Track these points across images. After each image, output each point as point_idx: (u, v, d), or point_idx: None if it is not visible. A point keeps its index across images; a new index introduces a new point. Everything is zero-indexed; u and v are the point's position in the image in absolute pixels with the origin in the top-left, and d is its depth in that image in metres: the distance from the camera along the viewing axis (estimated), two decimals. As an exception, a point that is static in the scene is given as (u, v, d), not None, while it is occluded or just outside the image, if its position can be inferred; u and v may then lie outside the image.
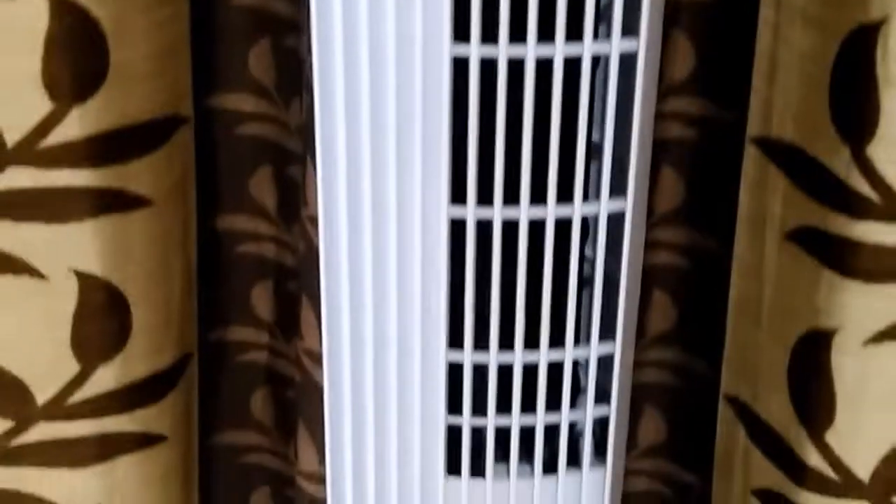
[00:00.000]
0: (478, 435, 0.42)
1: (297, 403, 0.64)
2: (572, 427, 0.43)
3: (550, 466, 0.43)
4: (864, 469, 0.56)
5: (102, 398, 0.62)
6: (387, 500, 0.43)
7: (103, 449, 0.63)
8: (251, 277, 0.67)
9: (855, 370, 0.55)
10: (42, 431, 0.62)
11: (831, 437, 0.56)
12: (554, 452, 0.43)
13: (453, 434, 0.42)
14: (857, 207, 0.52)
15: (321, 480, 0.61)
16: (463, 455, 0.42)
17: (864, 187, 0.52)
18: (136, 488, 0.65)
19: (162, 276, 0.62)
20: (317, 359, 0.57)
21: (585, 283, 0.46)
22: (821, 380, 0.55)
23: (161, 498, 0.66)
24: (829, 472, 0.57)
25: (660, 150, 0.58)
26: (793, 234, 0.56)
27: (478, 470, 0.43)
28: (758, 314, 0.59)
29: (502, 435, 0.42)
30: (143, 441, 0.64)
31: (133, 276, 0.60)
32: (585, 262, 0.46)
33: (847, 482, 0.56)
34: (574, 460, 0.43)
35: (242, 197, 0.65)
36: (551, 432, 0.43)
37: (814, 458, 0.57)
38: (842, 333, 0.54)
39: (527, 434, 0.43)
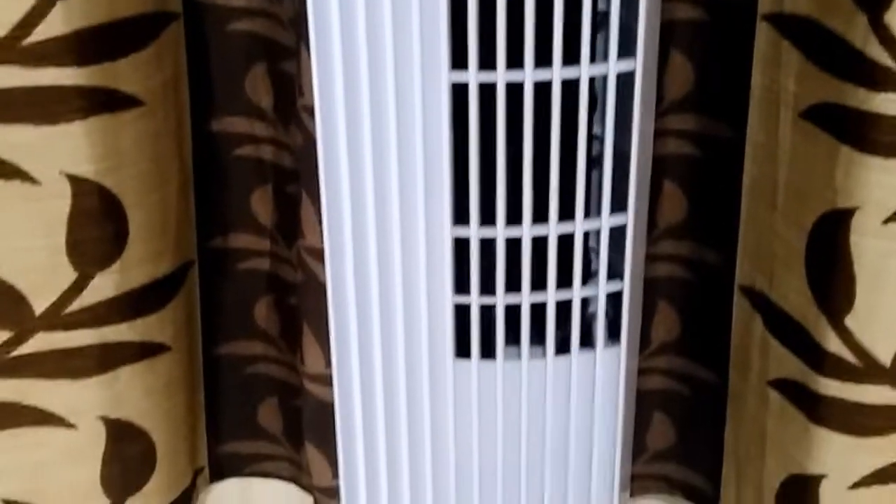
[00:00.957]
0: (487, 316, 0.41)
1: (300, 305, 0.62)
2: (584, 307, 0.41)
3: (563, 348, 0.41)
4: (884, 353, 0.55)
5: (101, 306, 0.60)
6: (395, 387, 0.42)
7: (104, 359, 0.61)
8: (250, 182, 0.65)
9: (875, 250, 0.53)
10: (41, 341, 0.60)
11: (851, 321, 0.54)
12: (566, 334, 0.41)
13: (462, 315, 0.41)
14: (875, 78, 0.50)
15: (328, 382, 0.59)
16: (472, 336, 0.41)
17: (882, 57, 0.50)
18: (139, 399, 0.63)
19: (157, 179, 0.60)
20: (319, 256, 0.55)
21: (595, 161, 0.44)
22: (839, 262, 0.54)
23: (165, 409, 0.65)
24: (850, 357, 0.55)
25: (669, 29, 0.56)
26: (808, 112, 0.54)
27: (488, 352, 0.41)
28: (773, 198, 0.57)
29: (512, 315, 0.41)
30: (144, 351, 0.63)
31: (127, 178, 0.58)
32: (595, 140, 0.44)
33: (867, 366, 0.55)
34: (587, 341, 0.42)
35: (238, 97, 0.63)
36: (563, 313, 0.41)
37: (833, 344, 0.55)
38: (861, 213, 0.52)
39: (538, 315, 0.41)
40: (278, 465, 0.72)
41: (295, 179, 0.63)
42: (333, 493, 0.63)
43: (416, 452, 0.43)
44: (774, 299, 0.58)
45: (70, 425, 0.62)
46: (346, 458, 0.44)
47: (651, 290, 0.61)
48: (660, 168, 0.59)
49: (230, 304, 0.68)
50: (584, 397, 0.42)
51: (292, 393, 0.68)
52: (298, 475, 0.72)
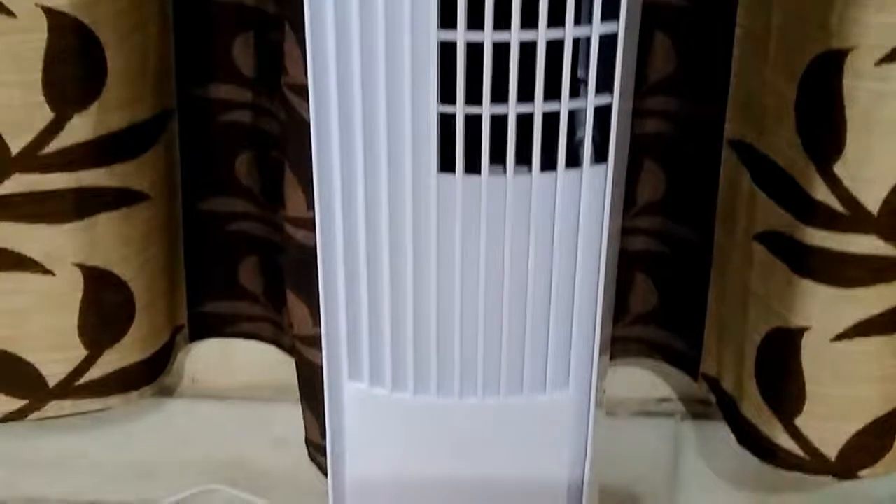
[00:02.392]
0: (473, 131, 0.40)
1: (282, 148, 0.61)
2: (572, 131, 0.40)
3: (548, 165, 0.41)
4: (872, 201, 0.54)
5: (78, 149, 0.59)
6: (377, 201, 0.41)
7: (82, 204, 0.61)
8: (232, 28, 0.64)
9: (867, 92, 0.52)
10: (17, 183, 0.59)
11: (840, 168, 0.54)
12: (552, 153, 0.40)
13: (447, 127, 0.40)
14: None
15: (310, 226, 0.58)
16: (457, 148, 0.40)
17: None
18: (117, 248, 0.63)
19: (136, 19, 0.59)
20: (303, 91, 0.54)
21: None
22: (830, 107, 0.53)
23: (143, 260, 0.64)
24: (837, 206, 0.54)
25: None
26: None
27: (473, 167, 0.40)
28: (765, 47, 0.56)
29: (498, 132, 0.40)
30: (122, 198, 0.62)
31: (105, 15, 0.57)
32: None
33: (854, 215, 0.54)
34: (573, 162, 0.41)
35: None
36: (549, 132, 0.40)
37: (821, 192, 0.55)
38: (854, 54, 0.51)
39: (524, 132, 0.40)
40: (259, 325, 0.71)
41: (278, 27, 0.62)
42: (314, 341, 0.62)
43: (398, 274, 0.42)
44: (763, 150, 0.58)
45: (47, 271, 0.62)
46: (327, 285, 0.43)
47: (637, 148, 0.60)
48: (649, 21, 0.58)
49: (211, 159, 0.67)
50: (569, 216, 0.41)
51: (273, 252, 0.67)
52: (279, 336, 0.71)
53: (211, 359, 0.74)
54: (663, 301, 0.67)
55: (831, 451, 0.60)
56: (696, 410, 0.73)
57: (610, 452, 0.72)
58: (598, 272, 0.42)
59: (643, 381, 0.73)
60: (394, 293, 0.42)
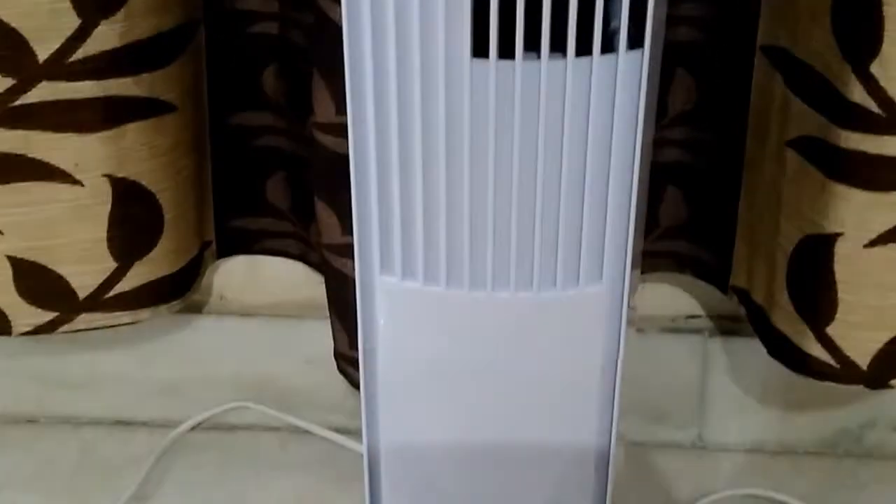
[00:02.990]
0: (507, 12, 0.39)
1: (311, 50, 0.61)
2: (606, 15, 0.40)
3: (583, 50, 0.40)
4: (909, 101, 0.53)
5: (105, 56, 0.59)
6: (409, 89, 0.41)
7: (110, 113, 0.60)
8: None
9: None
10: (45, 91, 0.59)
11: (876, 69, 0.53)
12: (588, 37, 0.40)
13: (480, 10, 0.39)
14: None
15: (339, 132, 0.58)
16: (490, 32, 0.39)
17: None
18: (145, 159, 0.62)
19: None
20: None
21: None
22: (867, 6, 0.52)
23: (171, 172, 0.64)
24: (873, 107, 0.54)
25: None
26: None
27: (506, 51, 0.40)
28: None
29: (532, 19, 0.39)
30: (150, 108, 0.62)
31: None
32: None
33: (892, 116, 0.54)
34: (609, 47, 0.40)
35: None
36: (585, 15, 0.39)
37: (857, 94, 0.54)
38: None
39: (559, 15, 0.39)
40: (286, 242, 0.71)
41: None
42: (343, 250, 0.62)
43: (430, 164, 0.42)
44: (797, 54, 0.57)
45: (76, 182, 0.61)
46: (358, 178, 0.43)
47: (669, 56, 0.59)
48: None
49: (238, 72, 0.66)
50: (604, 103, 0.41)
51: (301, 167, 0.67)
52: (307, 253, 0.71)
53: (239, 276, 0.74)
54: (693, 214, 0.66)
55: (863, 359, 0.60)
56: (725, 327, 0.73)
57: (638, 369, 0.72)
58: (633, 162, 0.42)
59: (672, 297, 0.73)
60: (426, 184, 0.42)
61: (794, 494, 0.70)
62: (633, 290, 0.47)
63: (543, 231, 0.43)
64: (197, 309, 0.75)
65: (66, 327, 0.65)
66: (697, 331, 0.73)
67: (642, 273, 0.69)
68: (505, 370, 0.46)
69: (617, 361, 0.47)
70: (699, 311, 0.73)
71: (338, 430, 0.76)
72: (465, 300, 0.44)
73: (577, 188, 0.42)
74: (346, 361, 0.68)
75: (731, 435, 0.76)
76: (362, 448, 0.50)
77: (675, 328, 0.73)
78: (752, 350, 0.71)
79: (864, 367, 0.60)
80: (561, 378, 0.47)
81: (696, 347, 0.74)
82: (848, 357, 0.59)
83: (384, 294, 0.45)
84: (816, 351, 0.60)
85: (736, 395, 0.75)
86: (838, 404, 0.74)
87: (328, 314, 0.68)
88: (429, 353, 0.46)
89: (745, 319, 0.67)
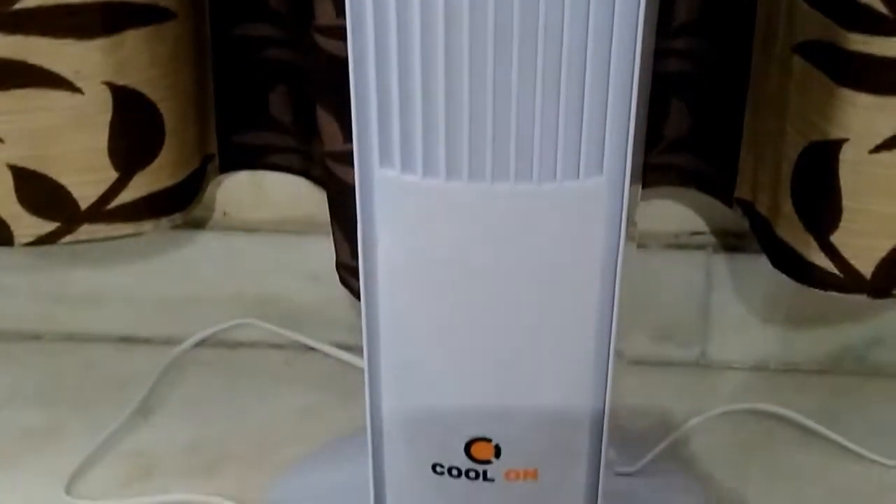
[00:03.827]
0: None
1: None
2: None
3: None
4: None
5: (104, -40, 0.58)
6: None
7: (109, 19, 0.60)
8: None
9: None
10: (43, -6, 0.59)
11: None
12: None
13: None
14: None
15: (340, 35, 0.58)
16: None
17: None
18: (145, 67, 0.62)
19: None
20: None
21: None
22: None
23: (172, 81, 0.63)
24: (881, 8, 0.53)
25: None
26: None
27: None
28: None
29: None
30: (151, 15, 0.61)
31: None
32: None
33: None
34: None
35: None
36: None
37: (866, -7, 0.53)
38: None
39: None
40: (289, 157, 0.71)
41: None
42: (344, 157, 0.62)
43: (428, 51, 0.41)
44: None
45: (76, 89, 0.61)
46: (357, 68, 0.43)
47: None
48: None
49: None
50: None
51: (303, 79, 0.67)
52: (310, 168, 0.71)
53: (241, 192, 0.74)
54: (698, 126, 0.66)
55: (866, 268, 0.59)
56: (730, 243, 0.73)
57: (641, 287, 0.72)
58: (634, 52, 0.41)
59: (676, 213, 0.73)
60: (424, 74, 0.42)
61: (798, 411, 0.70)
62: (634, 196, 0.46)
63: (543, 121, 0.42)
64: (200, 225, 0.75)
65: (68, 238, 0.65)
66: (701, 247, 0.73)
67: (647, 187, 0.69)
68: (504, 267, 0.46)
69: (617, 260, 0.46)
70: (703, 227, 0.73)
71: (342, 347, 0.76)
72: (465, 193, 0.44)
73: (577, 77, 0.42)
74: (349, 272, 0.68)
75: (735, 353, 0.76)
76: (363, 353, 0.50)
77: (678, 244, 0.73)
78: (757, 267, 0.71)
79: (868, 276, 0.59)
80: (561, 277, 0.47)
81: (699, 264, 0.73)
82: (852, 266, 0.59)
83: (383, 188, 0.45)
84: (820, 260, 0.60)
85: (740, 313, 0.75)
86: (843, 322, 0.74)
87: (330, 227, 0.68)
88: (428, 249, 0.46)
89: (749, 235, 0.67)
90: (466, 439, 0.49)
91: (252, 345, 0.78)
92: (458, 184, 0.44)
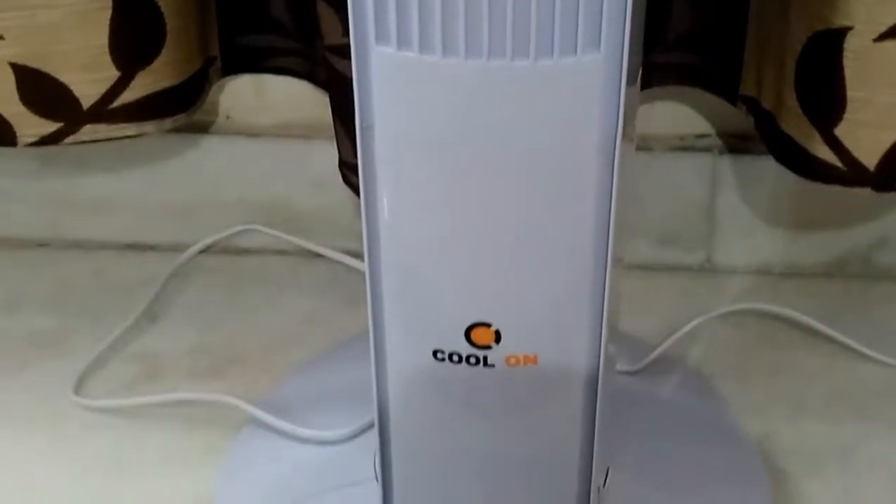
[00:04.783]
0: None
1: None
2: None
3: None
4: None
5: None
6: None
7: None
8: None
9: None
10: None
11: None
12: None
13: None
14: None
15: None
16: None
17: None
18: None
19: None
20: None
21: None
22: None
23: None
24: None
25: None
26: None
27: None
28: None
29: None
30: None
31: None
32: None
33: None
34: None
35: None
36: None
37: None
38: None
39: None
40: (292, 60, 0.71)
41: None
42: (344, 51, 0.62)
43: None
44: None
45: (77, -8, 0.61)
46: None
47: None
48: None
49: None
50: None
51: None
52: (313, 71, 0.70)
53: (245, 96, 0.74)
54: (703, 23, 0.65)
55: (870, 160, 0.59)
56: (735, 145, 0.72)
57: (646, 191, 0.72)
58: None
59: (680, 115, 0.72)
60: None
61: (802, 312, 0.70)
62: (633, 78, 0.46)
63: (540, -6, 0.42)
64: (203, 129, 0.75)
65: (70, 139, 0.65)
66: (707, 150, 0.73)
67: (651, 87, 0.68)
68: (502, 149, 0.46)
69: (615, 142, 0.46)
70: (708, 129, 0.72)
71: (347, 253, 0.77)
72: (462, 70, 0.44)
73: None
74: (351, 170, 0.68)
75: (740, 256, 0.76)
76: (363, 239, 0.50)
77: (683, 147, 0.73)
78: (762, 169, 0.71)
79: (872, 169, 0.59)
80: (559, 159, 0.46)
81: (704, 167, 0.73)
82: (855, 158, 0.59)
83: (380, 67, 0.45)
84: (824, 154, 0.59)
85: (745, 216, 0.74)
86: (848, 224, 0.74)
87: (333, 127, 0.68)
88: (425, 129, 0.46)
89: (754, 137, 0.67)
90: (467, 325, 0.49)
91: (257, 251, 0.78)
92: (454, 60, 0.43)
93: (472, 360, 0.50)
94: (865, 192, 0.60)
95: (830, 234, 0.74)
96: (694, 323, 0.68)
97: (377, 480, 0.56)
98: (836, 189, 0.61)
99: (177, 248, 0.78)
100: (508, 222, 0.48)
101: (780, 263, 0.75)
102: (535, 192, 0.47)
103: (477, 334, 0.49)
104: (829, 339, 0.69)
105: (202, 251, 0.78)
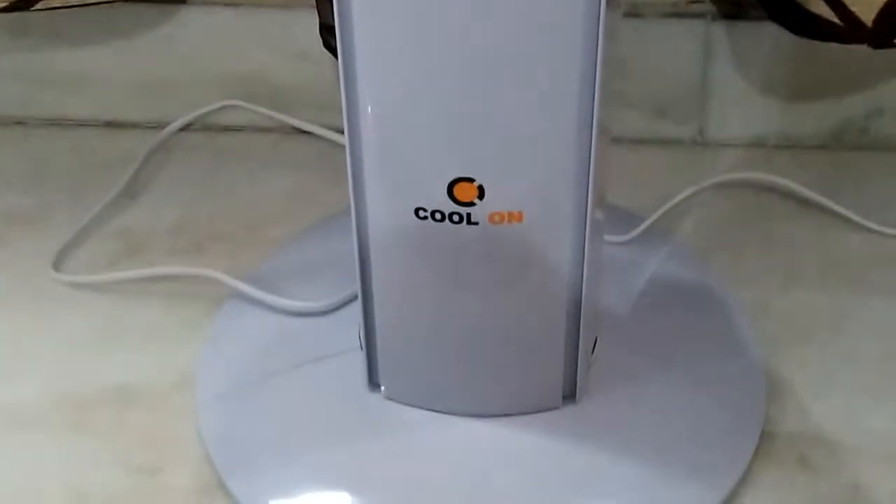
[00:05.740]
0: None
1: None
2: None
3: None
4: None
5: None
6: None
7: None
8: None
9: None
10: None
11: None
12: None
13: None
14: None
15: None
16: None
17: None
18: None
19: None
20: None
21: None
22: None
23: None
24: None
25: None
26: None
27: None
28: None
29: None
30: None
31: None
32: None
33: None
34: None
35: None
36: None
37: None
38: None
39: None
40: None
41: None
42: None
43: None
44: None
45: None
46: None
47: None
48: None
49: None
50: None
51: None
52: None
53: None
54: None
55: (867, 15, 0.57)
56: (729, 11, 0.70)
57: (638, 61, 0.70)
58: None
59: (674, -21, 0.70)
60: None
61: (796, 183, 0.69)
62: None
63: None
64: (181, -1, 0.72)
65: (42, 3, 0.63)
66: (699, 15, 0.71)
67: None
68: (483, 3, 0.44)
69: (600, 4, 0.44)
70: (702, -6, 0.70)
71: (331, 129, 0.75)
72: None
73: None
74: (331, 32, 0.66)
75: (734, 128, 0.74)
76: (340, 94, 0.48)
77: (676, 13, 0.71)
78: (757, 36, 0.69)
79: (869, 25, 0.57)
80: (543, 21, 0.44)
81: (698, 35, 0.71)
82: (852, 14, 0.57)
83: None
84: (820, 9, 0.57)
85: (739, 86, 0.73)
86: (844, 93, 0.72)
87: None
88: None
89: (749, 1, 0.64)
90: (449, 180, 0.47)
91: (239, 128, 0.77)
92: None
93: (456, 217, 0.48)
94: (862, 53, 0.58)
95: (826, 104, 0.72)
96: (686, 193, 0.67)
97: (361, 349, 0.55)
98: (832, 56, 0.59)
99: (157, 126, 0.76)
100: (491, 77, 0.46)
101: (774, 134, 0.73)
102: (519, 52, 0.45)
103: (460, 190, 0.48)
104: (823, 210, 0.68)
105: (182, 128, 0.76)
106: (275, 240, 0.67)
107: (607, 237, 0.61)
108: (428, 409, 0.54)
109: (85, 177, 0.73)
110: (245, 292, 0.61)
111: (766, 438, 0.53)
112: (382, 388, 0.55)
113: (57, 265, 0.66)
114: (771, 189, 0.69)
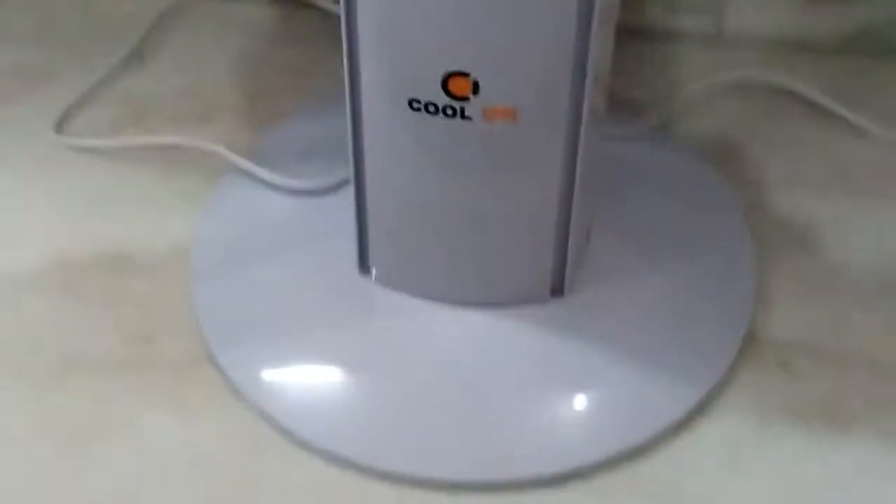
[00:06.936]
0: None
1: None
2: None
3: None
4: None
5: None
6: None
7: None
8: None
9: None
10: None
11: None
12: None
13: None
14: None
15: None
16: None
17: None
18: None
19: None
20: None
21: None
22: None
23: None
24: None
25: None
26: None
27: None
28: None
29: None
30: None
31: None
32: None
33: None
34: None
35: None
36: None
37: None
38: None
39: None
40: None
41: None
42: None
43: None
44: None
45: None
46: None
47: None
48: None
49: None
50: None
51: None
52: None
53: None
54: None
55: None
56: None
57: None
58: None
59: None
60: None
61: (809, 86, 0.68)
62: None
63: None
64: None
65: None
66: None
67: None
68: None
69: None
70: None
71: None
72: None
73: None
74: None
75: (751, 24, 0.72)
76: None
77: None
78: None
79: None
80: None
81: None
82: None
83: None
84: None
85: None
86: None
87: None
88: None
89: None
90: (443, 73, 0.47)
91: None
92: None
93: (449, 111, 0.48)
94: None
95: (846, 8, 0.70)
96: (693, 88, 0.66)
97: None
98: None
99: (166, -10, 0.75)
100: None
101: (791, 36, 0.72)
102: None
103: (454, 84, 0.47)
104: (833, 115, 0.67)
105: (192, -3, 0.75)
106: (280, 114, 0.67)
107: (609, 131, 0.61)
108: (416, 296, 0.55)
109: (93, 37, 0.73)
110: (244, 167, 0.61)
111: (750, 341, 0.54)
112: (373, 271, 0.55)
113: (59, 127, 0.66)
114: (781, 91, 0.68)
